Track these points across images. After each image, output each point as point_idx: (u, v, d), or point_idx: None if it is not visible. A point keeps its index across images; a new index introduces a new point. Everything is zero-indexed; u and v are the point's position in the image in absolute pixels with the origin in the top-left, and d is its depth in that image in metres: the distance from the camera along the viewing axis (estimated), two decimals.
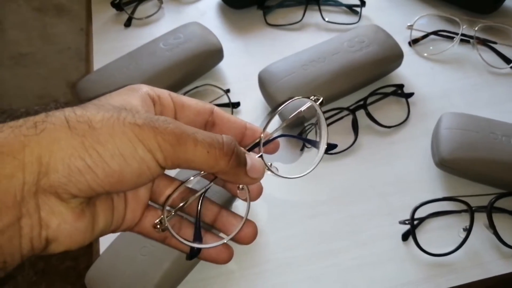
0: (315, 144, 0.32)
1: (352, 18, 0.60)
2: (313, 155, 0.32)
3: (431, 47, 0.57)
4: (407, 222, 0.43)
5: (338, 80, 0.49)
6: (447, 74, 0.55)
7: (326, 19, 0.59)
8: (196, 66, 0.50)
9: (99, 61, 0.54)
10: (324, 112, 0.47)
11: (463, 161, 0.44)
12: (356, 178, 0.47)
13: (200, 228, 0.27)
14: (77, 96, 0.48)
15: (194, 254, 0.27)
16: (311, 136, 0.45)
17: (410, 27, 0.57)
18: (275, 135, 0.29)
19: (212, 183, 0.27)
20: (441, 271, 0.42)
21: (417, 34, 0.58)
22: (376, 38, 0.52)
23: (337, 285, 0.41)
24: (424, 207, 0.44)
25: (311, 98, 0.30)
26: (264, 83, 0.49)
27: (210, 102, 0.51)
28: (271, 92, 0.48)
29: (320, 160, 0.31)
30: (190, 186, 0.28)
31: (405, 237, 0.43)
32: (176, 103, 0.27)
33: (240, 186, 0.27)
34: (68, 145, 0.20)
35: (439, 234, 0.44)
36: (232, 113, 0.51)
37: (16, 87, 0.96)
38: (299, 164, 0.36)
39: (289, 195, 0.46)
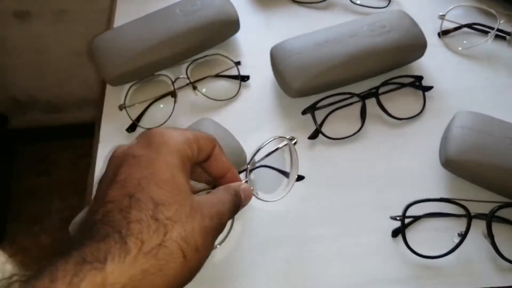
0: (287, 175, 0.41)
1: (381, 2, 0.57)
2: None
3: (463, 41, 0.53)
4: (398, 218, 0.41)
5: (351, 64, 0.47)
6: (474, 71, 0.51)
7: (354, 1, 0.56)
8: (209, 35, 0.50)
9: (120, 23, 0.55)
10: (332, 96, 0.46)
11: (470, 164, 0.41)
12: (355, 166, 0.46)
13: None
14: (91, 54, 0.49)
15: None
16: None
17: (442, 17, 0.53)
18: (257, 165, 0.39)
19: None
20: (428, 273, 0.40)
21: (448, 25, 0.54)
22: (399, 25, 0.49)
23: (317, 270, 0.40)
24: (420, 205, 0.42)
25: (288, 137, 0.40)
26: (275, 59, 0.48)
27: (219, 73, 0.51)
28: (280, 68, 0.47)
29: (290, 190, 0.39)
30: None
31: (395, 233, 0.42)
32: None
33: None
34: None
35: (432, 236, 0.42)
36: (240, 86, 0.50)
37: (56, 42, 1.00)
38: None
39: None
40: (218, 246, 0.40)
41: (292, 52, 0.47)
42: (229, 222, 0.38)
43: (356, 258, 0.41)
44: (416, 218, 0.42)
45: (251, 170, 0.38)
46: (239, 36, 0.54)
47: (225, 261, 0.40)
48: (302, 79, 0.46)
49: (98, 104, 0.50)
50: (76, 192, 1.24)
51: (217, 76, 0.51)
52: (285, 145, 0.40)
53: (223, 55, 0.51)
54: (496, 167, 0.41)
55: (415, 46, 0.49)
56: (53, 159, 1.31)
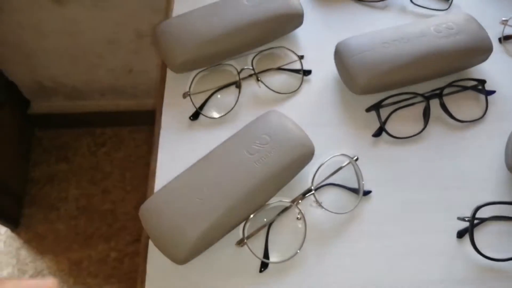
0: (355, 191, 0.44)
1: (441, 5, 0.57)
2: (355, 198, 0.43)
3: None
4: (466, 219, 0.41)
5: (418, 64, 0.47)
6: None
7: (415, 2, 0.56)
8: (275, 27, 0.50)
9: (179, 10, 0.55)
10: (397, 95, 0.46)
11: None
12: (418, 166, 0.46)
13: (268, 249, 0.40)
14: (156, 39, 0.49)
15: (263, 266, 0.39)
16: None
17: (505, 22, 0.54)
18: (324, 183, 0.43)
19: (277, 216, 0.41)
20: (493, 275, 0.40)
21: (510, 31, 0.54)
22: (466, 27, 0.49)
23: (381, 268, 0.40)
24: (486, 209, 0.42)
25: (352, 157, 0.43)
26: (340, 54, 0.48)
27: (282, 66, 0.51)
28: (347, 64, 0.47)
29: (357, 204, 0.43)
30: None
31: (460, 234, 0.42)
32: None
33: (298, 216, 0.41)
34: None
35: (498, 239, 0.42)
36: (302, 80, 0.50)
37: (89, 28, 1.00)
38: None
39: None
40: (297, 252, 0.40)
41: (360, 49, 0.47)
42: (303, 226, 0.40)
43: (420, 257, 0.41)
44: (483, 220, 0.42)
45: (316, 189, 0.41)
46: (300, 30, 0.54)
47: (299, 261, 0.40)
48: (369, 76, 0.46)
49: (157, 92, 0.50)
50: (93, 181, 1.24)
51: (280, 69, 0.51)
52: (348, 163, 0.44)
53: (288, 49, 0.51)
54: None
55: (481, 50, 0.49)
56: (72, 146, 1.31)
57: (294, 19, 0.51)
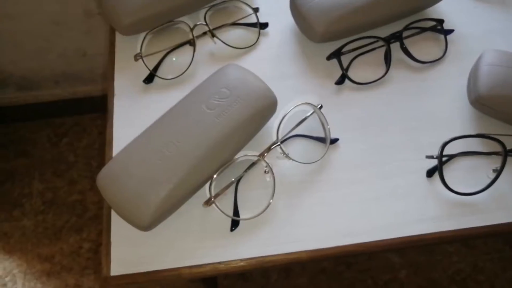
0: (322, 140, 0.43)
1: None
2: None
3: None
4: (435, 156, 0.41)
5: (375, 6, 0.45)
6: (490, 14, 0.51)
7: None
8: None
9: None
10: (356, 40, 0.45)
11: (501, 99, 0.41)
12: (384, 111, 0.45)
13: (237, 207, 0.38)
14: (100, 1, 0.45)
15: (234, 224, 0.38)
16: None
17: None
18: (290, 135, 0.42)
19: (244, 172, 0.39)
20: (464, 210, 0.40)
21: None
22: None
23: (354, 214, 0.39)
24: (453, 145, 0.42)
25: (316, 105, 0.42)
26: (296, 2, 0.46)
27: (237, 20, 0.48)
28: (303, 13, 0.45)
29: (325, 153, 0.42)
30: None
31: (430, 173, 0.41)
32: None
33: (266, 170, 0.39)
34: None
35: (467, 174, 0.42)
36: (259, 34, 0.48)
37: (30, 12, 0.93)
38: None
39: None
40: (271, 201, 0.38)
41: None
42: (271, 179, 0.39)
43: (393, 199, 0.40)
44: (451, 157, 0.42)
45: (283, 141, 0.40)
46: None
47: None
48: (326, 22, 0.45)
49: (108, 57, 0.47)
50: (57, 173, 1.19)
51: (235, 24, 0.48)
52: (312, 113, 0.42)
53: (242, 1, 0.48)
54: None
55: None
56: (30, 140, 1.24)
57: None
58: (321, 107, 0.42)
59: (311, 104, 0.42)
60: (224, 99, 0.39)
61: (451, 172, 0.41)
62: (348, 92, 0.46)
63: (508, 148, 0.41)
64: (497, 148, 0.41)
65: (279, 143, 0.39)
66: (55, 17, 0.96)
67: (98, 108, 1.20)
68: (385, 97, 0.46)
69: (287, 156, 0.40)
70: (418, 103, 0.45)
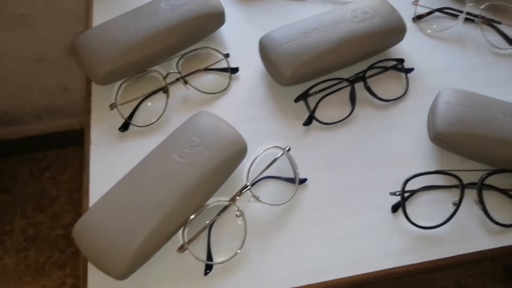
0: (291, 180, 0.44)
1: None
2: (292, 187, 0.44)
3: (434, 25, 0.57)
4: (397, 193, 0.43)
5: (339, 50, 0.48)
6: (449, 52, 0.55)
7: None
8: (197, 28, 0.50)
9: (99, 21, 0.53)
10: (322, 82, 0.47)
11: (458, 136, 0.44)
12: (350, 149, 0.47)
13: (211, 251, 0.40)
14: (74, 52, 0.47)
15: (208, 268, 0.39)
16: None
17: (416, 3, 0.57)
18: (260, 177, 0.43)
19: (217, 216, 0.41)
20: (428, 243, 0.42)
21: (422, 11, 0.57)
22: (380, 11, 0.51)
23: (323, 252, 0.41)
24: (416, 180, 0.44)
25: (284, 148, 0.44)
26: (264, 48, 0.49)
27: (209, 66, 0.51)
28: (271, 58, 0.48)
29: (294, 194, 0.44)
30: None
31: (394, 208, 0.44)
32: None
33: (237, 214, 0.41)
34: None
35: (429, 208, 0.44)
36: (230, 78, 0.51)
37: (15, 49, 0.95)
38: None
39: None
40: (238, 251, 0.40)
41: (282, 41, 0.48)
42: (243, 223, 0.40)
43: (360, 236, 0.42)
44: (413, 192, 0.44)
45: (253, 184, 0.42)
46: (225, 29, 0.54)
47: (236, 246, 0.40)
48: (293, 66, 0.47)
49: (84, 107, 0.49)
50: (39, 208, 1.18)
51: (207, 69, 0.51)
52: (281, 155, 0.44)
53: (212, 48, 0.51)
54: (482, 138, 0.44)
55: (396, 30, 0.51)
56: (12, 175, 1.24)
57: (215, 19, 0.52)
58: (289, 149, 0.44)
59: (280, 147, 0.44)
60: (195, 147, 0.41)
61: (415, 207, 0.44)
62: (315, 132, 0.48)
63: (466, 181, 0.43)
64: (457, 182, 0.43)
65: (249, 187, 0.41)
66: (38, 55, 0.98)
67: (80, 140, 1.21)
68: (351, 135, 0.48)
69: (257, 199, 0.42)
70: (382, 140, 0.48)
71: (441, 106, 0.46)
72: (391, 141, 0.48)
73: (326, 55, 0.48)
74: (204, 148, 0.41)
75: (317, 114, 0.49)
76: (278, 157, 0.44)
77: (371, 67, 0.51)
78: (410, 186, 0.44)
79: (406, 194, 0.43)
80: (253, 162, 0.42)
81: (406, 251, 0.42)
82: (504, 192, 0.45)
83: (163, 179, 0.39)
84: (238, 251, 0.39)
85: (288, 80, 0.48)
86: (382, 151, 0.47)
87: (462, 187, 0.43)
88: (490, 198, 0.44)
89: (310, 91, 0.49)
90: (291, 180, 0.44)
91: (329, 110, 0.49)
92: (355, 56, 0.50)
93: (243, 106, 0.49)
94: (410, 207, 0.43)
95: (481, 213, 0.43)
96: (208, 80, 0.51)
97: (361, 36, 0.49)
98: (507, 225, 0.43)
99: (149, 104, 0.48)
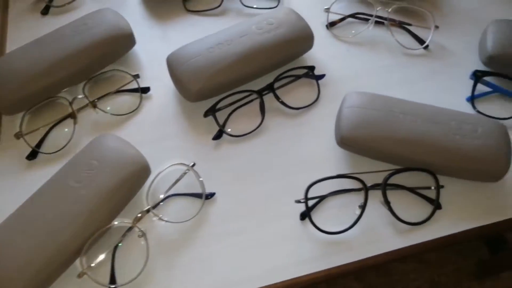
0: (199, 196, 0.44)
1: (272, 3, 0.60)
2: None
3: (347, 30, 0.57)
4: (302, 201, 0.43)
5: (243, 62, 0.49)
6: (362, 56, 0.55)
7: (244, 4, 0.59)
8: (104, 51, 0.50)
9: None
10: (231, 95, 0.48)
11: (361, 138, 0.44)
12: (260, 160, 0.47)
13: (114, 274, 0.40)
14: None
15: None
16: None
17: (327, 10, 0.57)
18: (167, 194, 0.44)
19: (122, 238, 0.41)
20: (337, 248, 0.42)
21: (334, 17, 0.58)
22: (286, 20, 0.52)
23: (233, 265, 0.41)
24: (325, 185, 0.44)
25: (188, 164, 0.45)
26: (171, 66, 0.49)
27: (119, 88, 0.51)
28: (177, 74, 0.48)
29: (201, 209, 0.43)
30: None
31: (303, 216, 0.44)
32: None
33: (139, 235, 0.41)
34: None
35: (339, 212, 0.44)
36: (141, 99, 0.51)
37: None
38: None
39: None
40: (142, 271, 0.40)
41: (187, 57, 0.48)
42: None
43: (270, 245, 0.42)
44: (322, 198, 0.44)
45: (160, 202, 0.42)
46: (138, 49, 0.55)
47: (139, 267, 0.40)
48: (198, 81, 0.47)
49: None
50: None
51: (118, 91, 0.51)
52: (186, 171, 0.44)
53: (120, 70, 0.51)
54: (384, 138, 0.44)
55: (302, 38, 0.52)
56: None
57: (124, 41, 0.52)
58: (193, 165, 0.44)
59: (184, 163, 0.44)
60: (92, 171, 0.41)
61: (325, 212, 0.44)
62: (226, 145, 0.48)
63: (372, 183, 0.43)
64: (360, 184, 0.44)
65: (149, 208, 0.41)
66: None
67: None
68: (261, 146, 0.48)
69: (160, 218, 0.42)
70: (293, 148, 0.48)
71: (345, 111, 0.46)
72: (301, 149, 0.48)
73: (231, 68, 0.48)
74: (101, 170, 0.41)
75: (228, 127, 0.49)
76: (184, 174, 0.44)
77: (279, 78, 0.51)
78: (318, 192, 0.44)
79: (314, 201, 0.44)
80: (153, 181, 0.42)
81: (315, 258, 0.42)
82: (410, 190, 0.45)
83: (57, 207, 0.39)
84: (141, 272, 0.39)
85: (195, 95, 0.48)
86: (293, 159, 0.47)
87: (366, 189, 0.43)
88: (398, 198, 0.44)
89: (219, 105, 0.49)
90: (198, 196, 0.44)
91: (240, 123, 0.50)
92: (263, 66, 0.50)
93: (155, 125, 0.50)
94: (320, 212, 0.44)
95: (388, 212, 0.43)
96: (120, 102, 0.51)
97: (266, 47, 0.49)
98: (415, 223, 0.43)
99: (60, 130, 0.49)
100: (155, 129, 0.49)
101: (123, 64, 0.54)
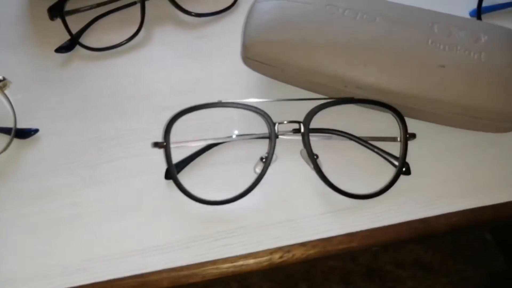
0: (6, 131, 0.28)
1: None
2: None
3: None
4: (161, 144, 0.25)
5: None
6: None
7: None
8: None
9: None
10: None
11: (270, 47, 0.26)
12: (124, 86, 0.30)
13: None
14: None
15: None
16: None
17: None
18: None
19: None
20: (218, 229, 0.25)
21: None
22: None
23: (29, 252, 0.24)
24: (213, 128, 0.26)
25: None
26: None
27: None
28: None
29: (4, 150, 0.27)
30: None
31: (167, 173, 0.26)
32: None
33: None
34: None
35: (227, 171, 0.26)
36: None
37: None
38: None
39: None
40: None
41: None
42: None
43: (113, 217, 0.25)
44: (205, 148, 0.26)
45: None
46: None
47: None
48: None
49: None
50: None
51: None
52: None
53: None
54: (314, 46, 0.26)
55: None
56: None
57: None
58: (3, 79, 0.27)
59: None
60: None
61: (207, 169, 0.26)
62: (78, 63, 0.31)
63: (278, 121, 0.25)
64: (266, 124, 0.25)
65: None
66: None
67: None
68: (132, 67, 0.31)
69: None
70: (179, 70, 0.30)
71: (257, 6, 0.28)
72: (192, 71, 0.30)
73: None
74: None
75: (89, 38, 0.32)
76: None
77: None
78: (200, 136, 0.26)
79: (188, 148, 0.26)
80: None
81: (183, 244, 0.24)
82: (356, 138, 0.26)
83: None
84: None
85: None
86: (176, 86, 0.30)
87: (274, 132, 0.25)
88: (335, 151, 0.26)
89: (76, 4, 0.32)
90: (6, 131, 0.27)
91: (110, 33, 0.32)
92: None
93: None
94: (198, 170, 0.26)
95: (316, 175, 0.25)
96: None
97: None
98: (360, 196, 0.25)
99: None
100: None
101: None
